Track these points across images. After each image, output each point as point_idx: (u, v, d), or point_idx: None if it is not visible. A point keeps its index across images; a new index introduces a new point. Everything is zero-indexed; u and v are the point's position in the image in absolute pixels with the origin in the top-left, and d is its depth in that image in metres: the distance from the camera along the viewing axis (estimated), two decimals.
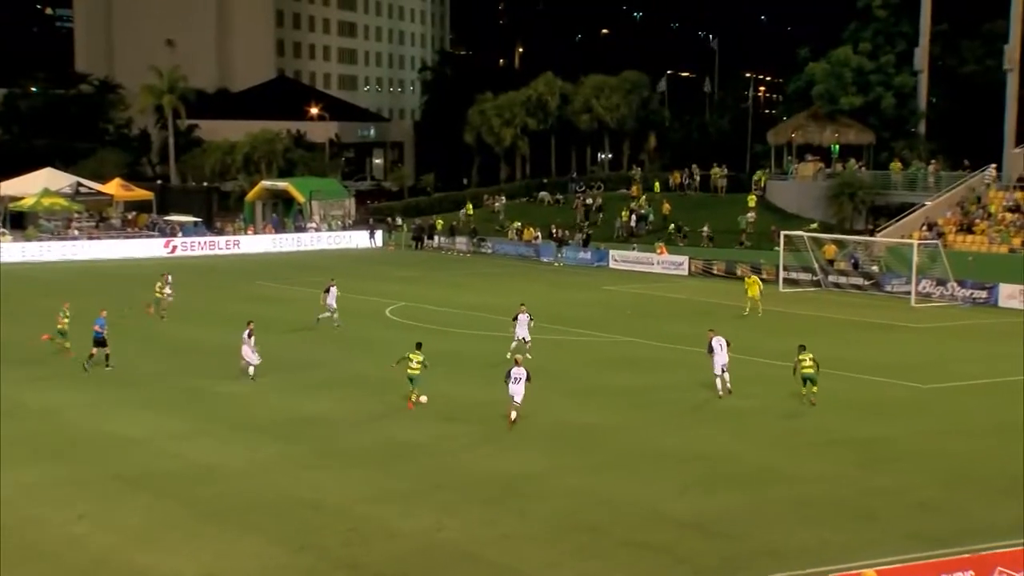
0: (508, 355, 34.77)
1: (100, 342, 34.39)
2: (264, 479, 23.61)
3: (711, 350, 31.64)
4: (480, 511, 21.73)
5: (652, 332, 42.53)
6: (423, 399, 29.82)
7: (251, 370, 33.05)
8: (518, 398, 27.86)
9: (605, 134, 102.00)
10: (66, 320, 36.19)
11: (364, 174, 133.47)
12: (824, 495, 22.76)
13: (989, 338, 43.37)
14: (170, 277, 46.13)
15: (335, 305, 42.32)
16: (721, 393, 31.31)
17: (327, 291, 42.56)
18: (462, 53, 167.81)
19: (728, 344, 31.72)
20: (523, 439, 26.93)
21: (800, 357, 30.45)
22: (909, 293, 52.30)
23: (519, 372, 28.06)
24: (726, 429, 28.09)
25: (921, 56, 77.61)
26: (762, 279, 57.81)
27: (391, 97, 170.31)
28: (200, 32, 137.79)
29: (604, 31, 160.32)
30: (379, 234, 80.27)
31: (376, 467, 24.51)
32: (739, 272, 59.74)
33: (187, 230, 76.77)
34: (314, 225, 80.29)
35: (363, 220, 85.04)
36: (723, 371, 31.46)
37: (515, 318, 36.66)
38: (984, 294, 51.38)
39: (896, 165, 73.42)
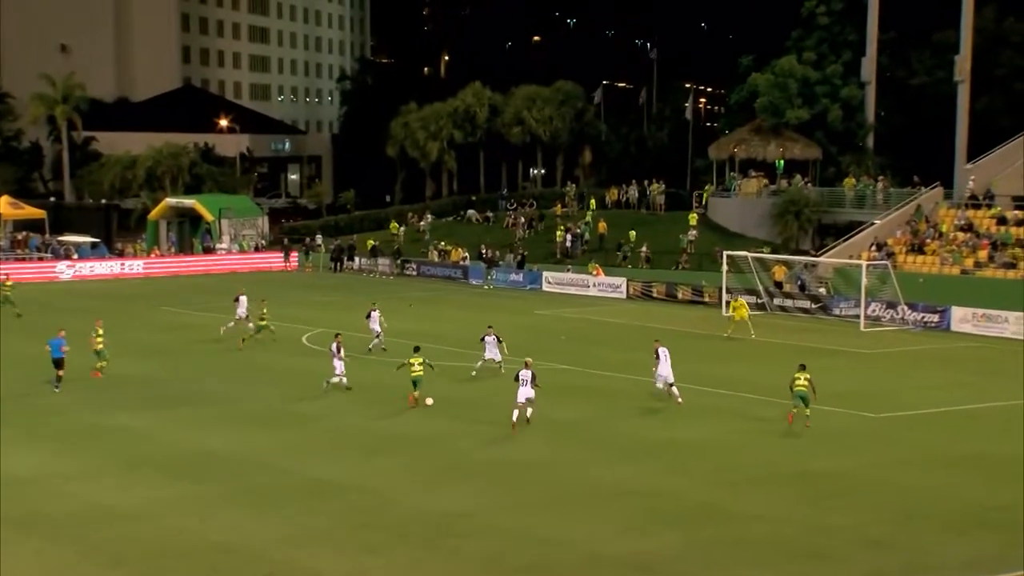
0: (473, 373, 38.10)
1: (59, 363, 35.72)
2: (168, 521, 23.32)
3: (658, 357, 34.51)
4: (407, 552, 21.67)
5: (588, 359, 42.74)
6: (428, 401, 33.27)
7: (328, 382, 35.53)
8: (522, 399, 30.94)
9: (537, 148, 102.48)
10: (100, 340, 37.82)
11: (278, 191, 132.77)
12: (769, 533, 23.01)
13: (942, 364, 44.21)
14: (244, 299, 46.76)
15: (379, 329, 42.97)
16: (680, 400, 33.99)
17: (368, 316, 43.47)
18: (384, 61, 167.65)
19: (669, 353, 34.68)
20: (454, 475, 26.94)
21: (796, 375, 32.10)
22: (858, 317, 53.13)
23: (526, 374, 31.17)
24: (666, 463, 28.31)
25: (868, 66, 79.04)
26: (704, 302, 58.86)
27: (307, 108, 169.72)
28: (97, 37, 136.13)
29: (536, 38, 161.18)
30: (295, 255, 79.83)
31: (294, 506, 24.34)
32: (679, 296, 60.63)
33: (83, 251, 75.68)
34: (224, 246, 79.58)
35: (277, 240, 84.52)
36: (670, 385, 34.18)
37: (482, 339, 38.71)
38: (936, 318, 52.36)
39: (850, 181, 74.46)
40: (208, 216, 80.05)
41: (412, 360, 33.62)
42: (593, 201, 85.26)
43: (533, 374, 31.24)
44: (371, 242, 79.74)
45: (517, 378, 31.36)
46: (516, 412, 30.90)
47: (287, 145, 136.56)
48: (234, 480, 26.30)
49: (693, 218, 75.98)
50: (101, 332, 38.14)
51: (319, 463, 27.83)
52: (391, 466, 27.73)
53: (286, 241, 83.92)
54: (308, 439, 30.27)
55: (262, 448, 29.32)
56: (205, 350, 43.47)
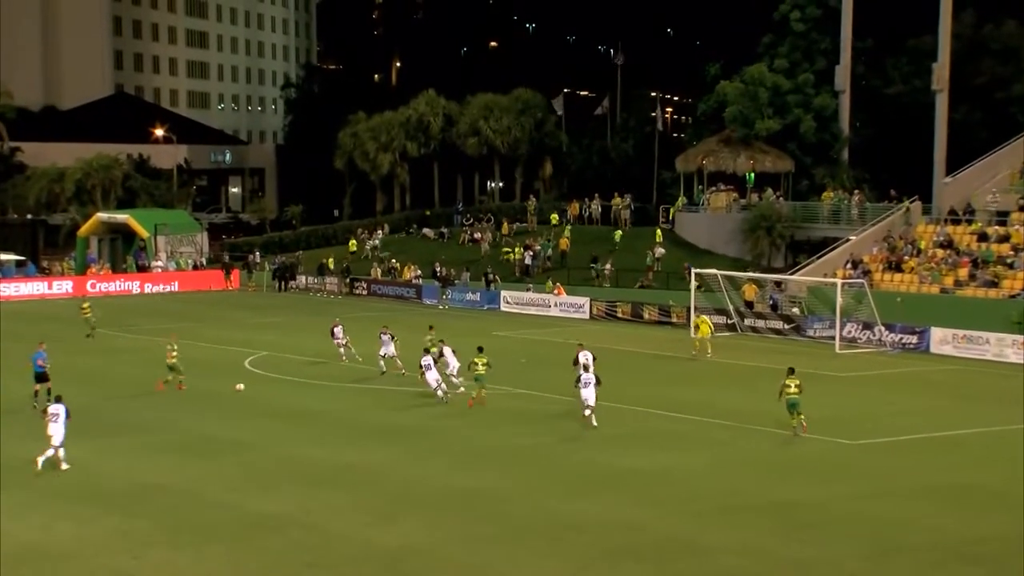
0: (461, 389, 39.32)
1: (42, 377, 36.63)
2: (99, 559, 23.15)
3: (576, 363, 37.35)
4: None
5: (549, 384, 42.69)
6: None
7: (440, 393, 38.28)
8: (591, 400, 34.36)
9: (495, 160, 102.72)
10: (175, 354, 40.21)
11: (219, 205, 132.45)
12: (740, 568, 23.11)
13: (921, 388, 44.57)
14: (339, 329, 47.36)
15: (395, 352, 43.26)
16: (587, 412, 35.30)
17: (380, 339, 43.65)
18: (331, 67, 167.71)
19: (595, 359, 38.02)
20: (405, 507, 26.88)
21: (787, 381, 33.40)
22: (833, 338, 53.51)
23: (588, 377, 34.75)
24: (630, 493, 28.36)
25: (842, 74, 79.76)
26: (672, 323, 59.19)
27: (249, 117, 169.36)
28: (22, 41, 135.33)
29: (493, 44, 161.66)
30: (236, 274, 79.54)
31: (233, 542, 24.23)
32: (645, 316, 60.93)
33: (7, 271, 75.13)
34: (160, 264, 79.19)
35: (218, 258, 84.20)
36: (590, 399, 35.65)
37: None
38: (914, 339, 52.82)
39: (827, 195, 74.98)
40: (143, 232, 79.63)
41: (476, 360, 37.51)
42: (555, 216, 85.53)
43: (597, 377, 34.80)
44: (331, 260, 79.43)
45: (578, 380, 34.91)
46: (588, 411, 34.53)
47: (228, 156, 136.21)
48: (169, 515, 26.13)
49: (659, 234, 76.30)
50: (176, 347, 40.48)
51: (260, 496, 27.70)
52: (337, 498, 27.64)
53: (227, 259, 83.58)
54: (248, 470, 30.13)
55: (199, 480, 29.15)
56: (138, 375, 43.16)
